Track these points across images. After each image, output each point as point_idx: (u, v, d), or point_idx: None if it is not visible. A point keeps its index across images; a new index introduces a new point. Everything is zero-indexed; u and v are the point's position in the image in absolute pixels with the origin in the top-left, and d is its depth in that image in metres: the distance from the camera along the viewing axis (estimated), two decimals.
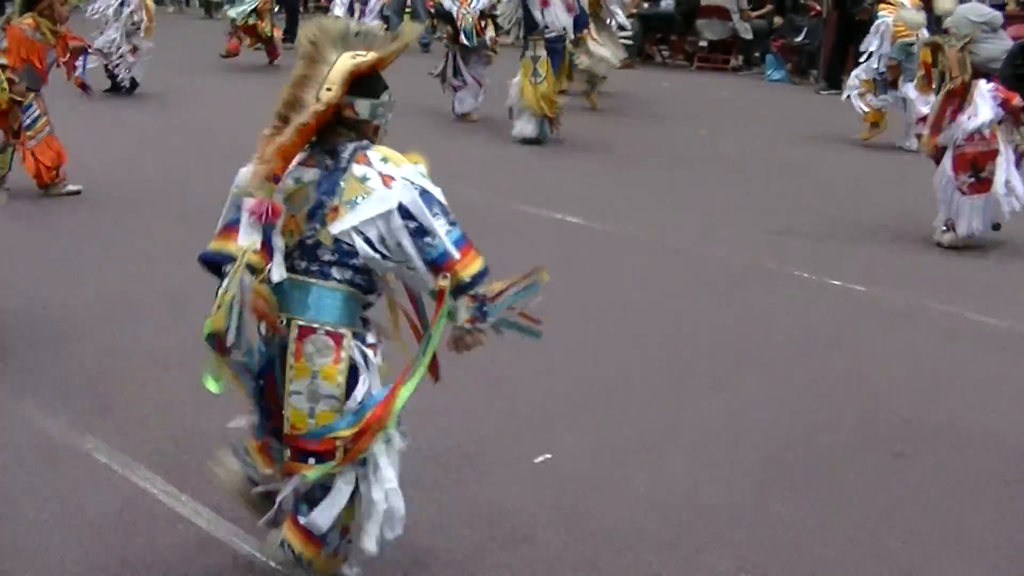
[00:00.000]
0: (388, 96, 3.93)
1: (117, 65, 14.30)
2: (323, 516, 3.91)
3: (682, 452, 5.47)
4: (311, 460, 3.85)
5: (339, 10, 23.59)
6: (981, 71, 9.79)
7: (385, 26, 22.29)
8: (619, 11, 14.41)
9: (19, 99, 8.84)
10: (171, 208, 9.22)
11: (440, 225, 3.71)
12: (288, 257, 3.81)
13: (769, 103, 16.45)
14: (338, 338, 3.80)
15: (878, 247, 9.21)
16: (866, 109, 13.27)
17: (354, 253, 3.75)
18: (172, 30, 17.30)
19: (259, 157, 3.74)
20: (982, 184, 8.99)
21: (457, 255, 3.71)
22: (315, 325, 3.79)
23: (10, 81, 8.73)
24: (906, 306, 7.73)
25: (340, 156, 3.80)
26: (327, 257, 3.78)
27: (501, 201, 9.94)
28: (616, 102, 15.42)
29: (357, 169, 3.77)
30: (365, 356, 3.86)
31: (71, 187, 9.65)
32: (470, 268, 3.74)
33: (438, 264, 3.71)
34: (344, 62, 3.77)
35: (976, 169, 8.98)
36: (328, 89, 3.74)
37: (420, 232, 3.70)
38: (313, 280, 3.80)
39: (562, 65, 12.64)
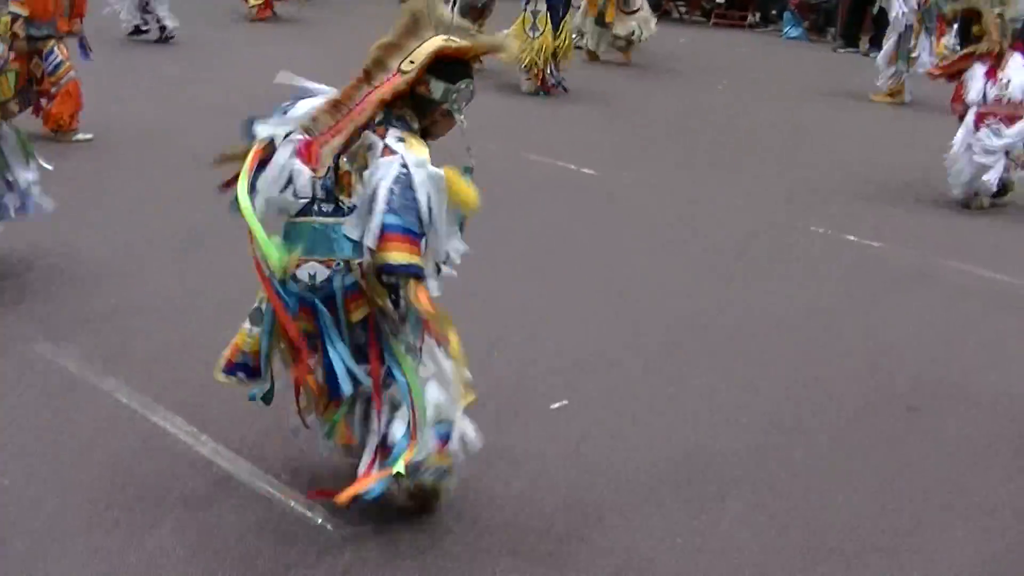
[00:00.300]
0: (466, 85, 4.08)
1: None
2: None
3: (697, 402, 5.53)
4: None
5: None
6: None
7: None
8: None
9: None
10: (184, 154, 9.23)
11: (379, 210, 3.85)
12: (315, 202, 4.01)
13: (786, 60, 16.43)
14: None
15: (892, 204, 9.27)
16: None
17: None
18: None
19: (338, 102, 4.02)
20: None
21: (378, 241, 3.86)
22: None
23: (14, 35, 8.67)
24: (920, 264, 7.77)
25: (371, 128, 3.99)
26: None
27: (513, 152, 9.95)
28: (633, 57, 15.36)
29: (369, 138, 3.96)
30: None
31: (83, 135, 9.62)
32: (386, 255, 3.86)
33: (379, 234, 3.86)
34: (433, 42, 3.97)
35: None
36: (411, 62, 3.95)
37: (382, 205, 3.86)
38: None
39: (562, 21, 12.78)
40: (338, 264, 3.95)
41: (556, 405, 5.39)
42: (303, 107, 4.10)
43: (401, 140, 3.94)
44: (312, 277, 3.97)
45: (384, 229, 3.84)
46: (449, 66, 4.04)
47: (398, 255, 3.84)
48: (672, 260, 7.54)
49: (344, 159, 3.96)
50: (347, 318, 4.01)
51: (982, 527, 4.61)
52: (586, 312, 6.55)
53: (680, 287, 7.05)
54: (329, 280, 3.96)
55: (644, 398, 5.53)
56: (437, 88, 4.04)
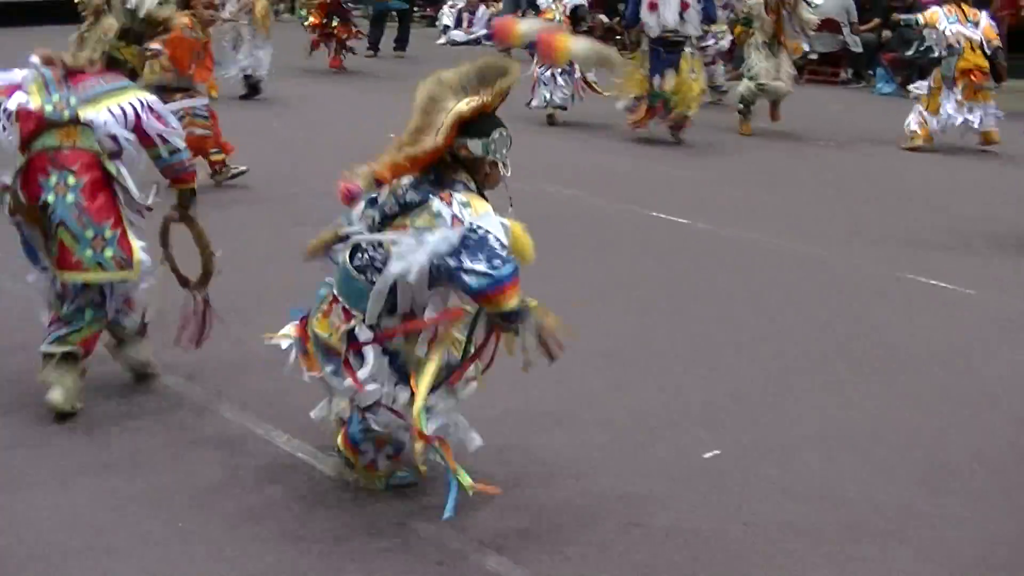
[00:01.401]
0: (500, 133, 4.38)
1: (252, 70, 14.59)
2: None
3: (847, 450, 5.53)
4: None
5: (447, 19, 23.94)
6: None
7: None
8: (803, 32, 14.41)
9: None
10: (295, 207, 9.37)
11: (479, 266, 4.16)
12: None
13: (881, 116, 16.35)
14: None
15: (988, 253, 9.31)
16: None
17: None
18: (286, 34, 17.49)
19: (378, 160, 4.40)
20: None
21: (489, 292, 4.19)
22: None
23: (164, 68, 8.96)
24: (1019, 311, 7.80)
25: (432, 188, 4.33)
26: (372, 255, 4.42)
27: (624, 206, 10.04)
28: (726, 112, 15.40)
29: (436, 203, 4.25)
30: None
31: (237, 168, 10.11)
32: (500, 305, 4.22)
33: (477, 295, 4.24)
34: (453, 111, 4.26)
35: None
36: (439, 137, 4.25)
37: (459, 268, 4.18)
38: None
39: (674, 67, 12.89)
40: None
41: (709, 455, 5.40)
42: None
43: (466, 205, 4.23)
44: None
45: (478, 291, 4.19)
46: (478, 123, 4.34)
47: (506, 303, 4.21)
48: (788, 310, 7.53)
49: (408, 218, 4.32)
50: None
51: None
52: (716, 360, 6.60)
53: (802, 337, 7.07)
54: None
55: (792, 447, 5.54)
56: (475, 146, 4.35)
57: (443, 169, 4.34)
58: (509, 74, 4.35)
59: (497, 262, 4.15)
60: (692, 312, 7.38)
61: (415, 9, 22.57)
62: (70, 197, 5.33)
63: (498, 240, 4.18)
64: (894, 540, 4.72)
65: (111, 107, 5.42)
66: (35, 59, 5.53)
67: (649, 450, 5.37)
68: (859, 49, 19.92)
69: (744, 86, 14.09)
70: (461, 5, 24.16)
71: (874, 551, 4.62)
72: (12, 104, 5.36)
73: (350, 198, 4.50)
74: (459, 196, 4.24)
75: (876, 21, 19.89)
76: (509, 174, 4.40)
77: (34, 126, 5.36)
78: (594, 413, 5.71)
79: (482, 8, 23.89)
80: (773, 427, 5.75)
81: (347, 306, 4.41)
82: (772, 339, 6.99)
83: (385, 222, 4.42)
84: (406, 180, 4.38)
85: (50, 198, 5.32)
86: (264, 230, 8.79)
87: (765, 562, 4.50)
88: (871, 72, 20.07)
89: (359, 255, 4.43)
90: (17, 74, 5.49)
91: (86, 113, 5.40)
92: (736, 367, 6.52)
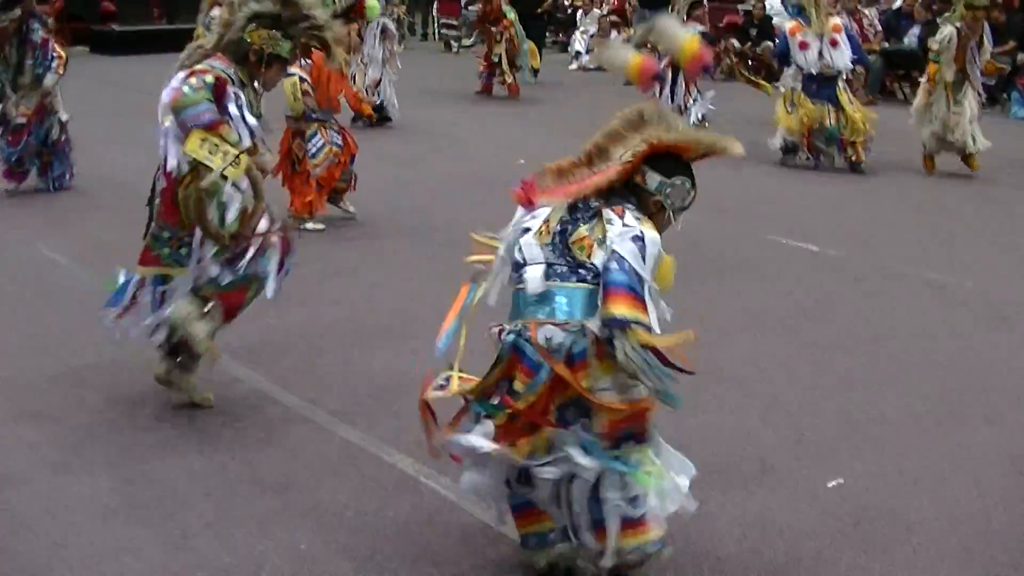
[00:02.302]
0: (682, 182, 4.30)
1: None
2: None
3: (967, 481, 5.49)
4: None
5: (579, 45, 24.12)
6: None
7: None
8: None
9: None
10: (435, 234, 9.53)
11: (611, 269, 4.08)
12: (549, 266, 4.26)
13: (1016, 141, 16.10)
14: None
15: None
16: None
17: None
18: (412, 64, 17.76)
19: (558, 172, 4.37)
20: None
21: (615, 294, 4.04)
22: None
23: (305, 93, 9.18)
24: None
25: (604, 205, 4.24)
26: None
27: (751, 231, 10.04)
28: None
29: (607, 213, 4.20)
30: None
31: (314, 225, 9.74)
32: (619, 309, 4.01)
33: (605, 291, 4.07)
34: (653, 134, 4.23)
35: None
36: (632, 153, 4.21)
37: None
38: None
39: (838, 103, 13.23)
40: (573, 328, 4.11)
41: (832, 483, 5.41)
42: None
43: (638, 219, 4.17)
44: (548, 340, 4.12)
45: (611, 285, 4.03)
46: (667, 160, 4.28)
47: (623, 309, 3.99)
48: (920, 339, 7.46)
49: (584, 227, 4.19)
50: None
51: None
52: (841, 388, 6.58)
53: (933, 367, 6.99)
54: (563, 343, 4.12)
55: (913, 477, 5.52)
56: (652, 180, 4.27)
57: (615, 192, 4.27)
58: (720, 144, 4.35)
59: (636, 275, 4.07)
60: (826, 337, 7.37)
61: (547, 35, 22.71)
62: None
63: (652, 258, 4.11)
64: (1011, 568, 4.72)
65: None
66: None
67: (772, 475, 5.40)
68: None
69: (926, 135, 13.37)
70: (593, 31, 24.28)
71: None
72: None
73: (528, 200, 4.37)
74: (631, 211, 4.20)
75: (1011, 44, 19.58)
76: (678, 228, 4.33)
77: None
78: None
79: (614, 34, 23.92)
80: (892, 455, 5.75)
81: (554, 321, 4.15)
82: (911, 367, 6.96)
83: (562, 237, 4.23)
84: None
85: None
86: (414, 257, 8.99)
87: None
88: (1006, 96, 19.75)
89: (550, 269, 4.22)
90: None
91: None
92: (876, 394, 6.51)
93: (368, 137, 14.16)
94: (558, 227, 4.23)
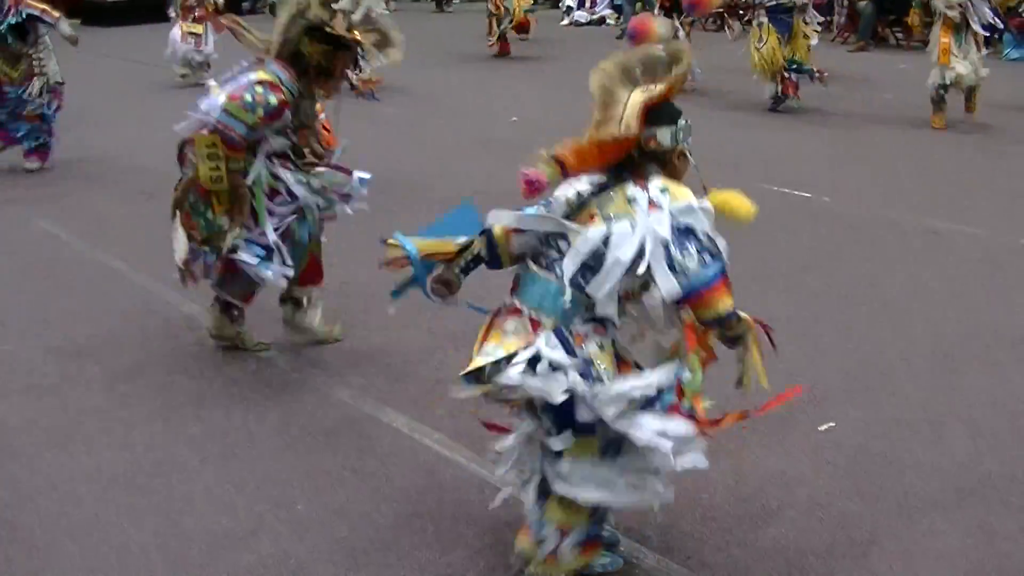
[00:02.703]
0: (685, 121, 4.00)
1: None
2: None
3: (960, 425, 5.54)
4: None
5: (570, 1, 24.05)
6: None
7: (617, 15, 22.62)
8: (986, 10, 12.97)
9: None
10: (432, 196, 9.55)
11: (689, 262, 3.77)
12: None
13: (1010, 82, 16.08)
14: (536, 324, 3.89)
15: None
16: None
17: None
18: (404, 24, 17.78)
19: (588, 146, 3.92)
20: None
21: (703, 292, 3.80)
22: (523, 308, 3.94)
23: None
24: None
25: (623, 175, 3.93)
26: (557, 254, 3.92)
27: (743, 180, 10.02)
28: (852, 84, 15.29)
29: (631, 189, 3.87)
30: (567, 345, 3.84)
31: None
32: (714, 308, 3.82)
33: (685, 298, 3.80)
34: (635, 98, 3.87)
35: None
36: (627, 127, 3.84)
37: (670, 267, 3.77)
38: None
39: (791, 34, 13.38)
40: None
41: (824, 427, 5.47)
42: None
43: (664, 190, 3.86)
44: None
45: (689, 291, 3.78)
46: (662, 112, 3.96)
47: (721, 304, 3.83)
48: (916, 288, 7.50)
49: (595, 204, 3.89)
50: None
51: None
52: (838, 340, 6.62)
53: (928, 315, 7.02)
54: None
55: (907, 422, 5.58)
56: (664, 135, 3.94)
57: (631, 164, 3.94)
58: (683, 60, 3.96)
59: (707, 256, 3.79)
60: (818, 286, 7.41)
61: None
62: None
63: (704, 232, 3.82)
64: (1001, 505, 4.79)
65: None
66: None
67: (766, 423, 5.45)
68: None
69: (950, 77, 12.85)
70: None
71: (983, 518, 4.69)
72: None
73: (533, 190, 3.93)
74: (656, 181, 3.88)
75: None
76: (694, 163, 4.03)
77: None
78: None
79: None
80: (885, 402, 5.81)
81: (535, 316, 3.91)
82: (906, 316, 7.00)
83: (570, 215, 3.96)
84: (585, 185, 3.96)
85: None
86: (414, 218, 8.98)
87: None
88: (998, 37, 19.68)
89: (544, 255, 3.98)
90: None
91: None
92: (870, 343, 6.56)
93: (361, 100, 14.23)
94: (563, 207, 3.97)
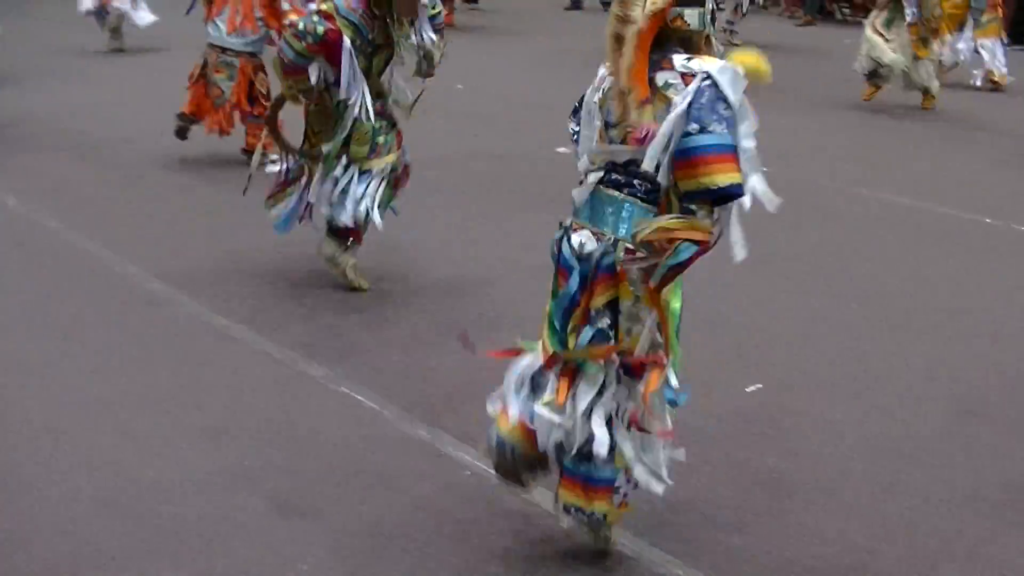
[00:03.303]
0: (712, 3, 3.88)
1: None
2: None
3: (894, 386, 5.71)
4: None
5: None
6: None
7: None
8: None
9: None
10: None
11: (713, 126, 3.60)
12: (603, 171, 3.89)
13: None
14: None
15: None
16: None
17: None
18: None
19: (616, 85, 3.78)
20: None
21: (709, 157, 3.60)
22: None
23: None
24: None
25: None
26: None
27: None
28: (800, 58, 15.38)
29: (660, 77, 3.74)
30: None
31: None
32: (719, 177, 3.61)
33: (684, 158, 3.63)
34: None
35: None
36: (653, 2, 3.70)
37: (693, 125, 3.62)
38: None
39: None
40: (609, 239, 3.80)
41: (751, 388, 5.59)
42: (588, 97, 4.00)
43: (689, 59, 3.73)
44: (581, 246, 3.86)
45: (698, 152, 3.60)
46: None
47: (723, 176, 3.60)
48: (844, 254, 7.64)
49: (634, 112, 3.71)
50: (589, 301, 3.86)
51: None
52: (763, 304, 6.75)
53: (852, 286, 7.16)
54: (594, 254, 3.83)
55: (832, 384, 5.71)
56: (692, 16, 3.79)
57: (656, 47, 3.75)
58: None
59: (726, 125, 3.61)
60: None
61: None
62: None
63: (726, 98, 3.62)
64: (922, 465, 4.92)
65: None
66: None
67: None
68: None
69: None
70: None
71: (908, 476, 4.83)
72: None
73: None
74: (679, 57, 3.74)
75: None
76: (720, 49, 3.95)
77: None
78: None
79: None
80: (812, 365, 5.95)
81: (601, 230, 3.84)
82: (833, 282, 7.12)
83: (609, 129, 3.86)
84: (664, 76, 3.72)
85: None
86: None
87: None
88: None
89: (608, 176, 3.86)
90: None
91: None
92: (796, 306, 6.68)
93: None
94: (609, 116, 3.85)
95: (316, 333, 6.12)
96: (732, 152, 3.62)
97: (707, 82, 3.63)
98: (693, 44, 3.83)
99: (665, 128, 3.65)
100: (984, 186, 9.70)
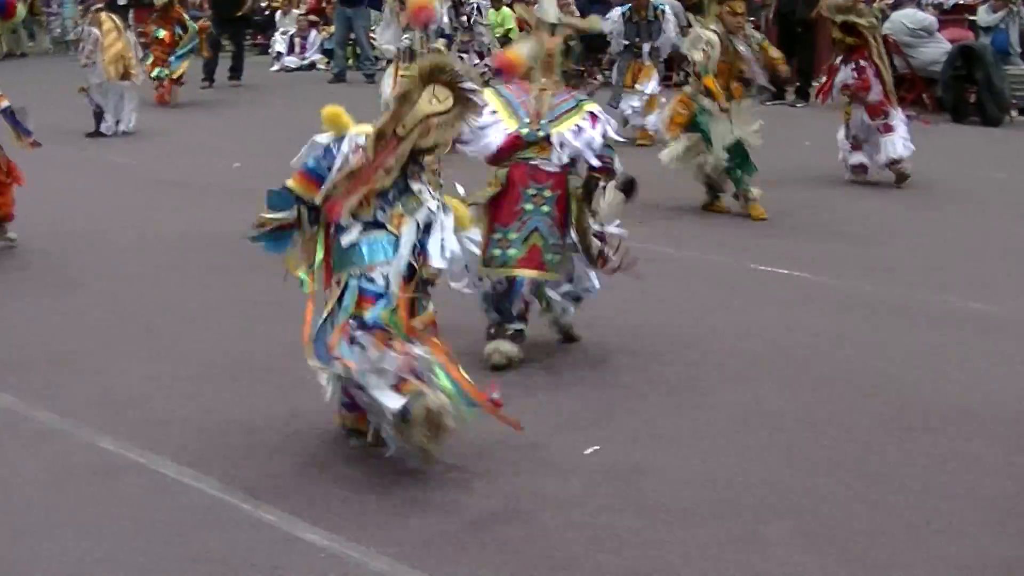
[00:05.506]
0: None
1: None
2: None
3: (721, 440, 5.72)
4: None
5: (279, 46, 23.94)
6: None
7: (328, 60, 22.56)
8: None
9: None
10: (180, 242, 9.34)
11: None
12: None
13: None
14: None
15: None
16: None
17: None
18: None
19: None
20: None
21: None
22: None
23: None
24: None
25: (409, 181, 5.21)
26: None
27: None
28: None
29: (414, 185, 5.19)
30: None
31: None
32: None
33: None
34: (420, 109, 5.07)
35: None
36: (404, 127, 5.09)
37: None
38: None
39: None
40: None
41: (589, 450, 5.56)
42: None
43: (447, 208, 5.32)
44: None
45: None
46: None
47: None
48: (665, 317, 7.71)
49: (401, 205, 5.17)
50: None
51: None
52: (591, 370, 6.72)
53: (674, 342, 7.16)
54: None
55: (667, 439, 5.71)
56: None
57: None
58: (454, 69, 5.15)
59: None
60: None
61: (247, 38, 22.44)
62: (545, 208, 6.49)
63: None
64: (771, 515, 4.95)
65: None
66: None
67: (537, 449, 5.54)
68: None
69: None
70: (293, 31, 24.18)
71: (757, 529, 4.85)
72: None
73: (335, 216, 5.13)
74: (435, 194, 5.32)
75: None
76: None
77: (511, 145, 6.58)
78: None
79: (313, 33, 23.96)
80: (644, 423, 5.96)
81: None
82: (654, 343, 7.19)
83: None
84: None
85: (528, 206, 6.47)
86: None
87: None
88: None
89: None
90: None
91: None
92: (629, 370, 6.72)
93: (85, 148, 13.88)
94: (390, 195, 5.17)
95: None
96: None
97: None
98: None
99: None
100: None
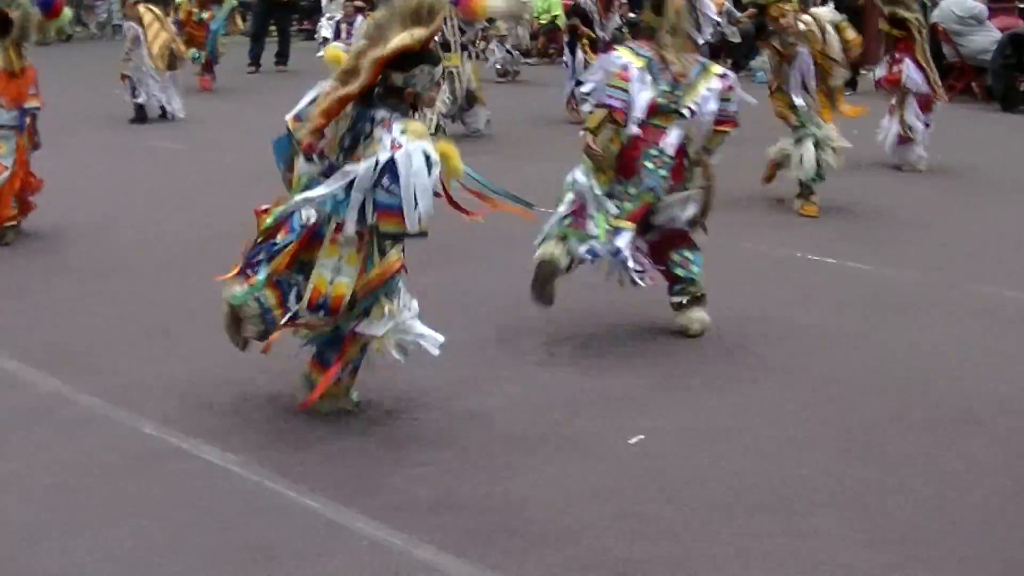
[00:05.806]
0: (422, 70, 5.23)
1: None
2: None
3: (773, 432, 5.68)
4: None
5: (326, 31, 23.93)
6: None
7: None
8: None
9: None
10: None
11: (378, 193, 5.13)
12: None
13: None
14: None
15: None
16: None
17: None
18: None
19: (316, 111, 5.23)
20: None
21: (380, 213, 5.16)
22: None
23: None
24: None
25: (375, 117, 5.21)
26: None
27: None
28: None
29: (378, 132, 5.17)
30: None
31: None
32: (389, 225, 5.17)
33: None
34: (376, 52, 5.10)
35: None
36: (367, 71, 5.12)
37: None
38: None
39: None
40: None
41: (634, 440, 5.53)
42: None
43: (404, 131, 5.11)
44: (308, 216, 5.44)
45: (378, 207, 5.14)
46: (403, 59, 5.14)
47: (390, 227, 5.16)
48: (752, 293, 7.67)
49: (363, 145, 5.22)
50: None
51: None
52: (641, 353, 6.73)
53: (727, 325, 7.14)
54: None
55: (713, 431, 5.68)
56: (397, 78, 5.21)
57: (379, 96, 5.25)
58: (440, 11, 5.20)
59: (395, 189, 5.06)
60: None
61: (293, 23, 22.49)
62: (663, 172, 6.65)
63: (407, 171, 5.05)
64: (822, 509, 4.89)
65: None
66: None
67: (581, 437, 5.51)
68: (737, 39, 20.06)
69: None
70: (339, 17, 24.12)
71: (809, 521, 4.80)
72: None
73: (311, 151, 5.30)
74: (397, 124, 5.14)
75: (752, 11, 20.08)
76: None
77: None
78: None
79: (359, 19, 23.76)
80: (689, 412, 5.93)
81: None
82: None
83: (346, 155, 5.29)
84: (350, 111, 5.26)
85: (649, 165, 6.61)
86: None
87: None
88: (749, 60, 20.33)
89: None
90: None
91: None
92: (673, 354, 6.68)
93: (131, 134, 13.92)
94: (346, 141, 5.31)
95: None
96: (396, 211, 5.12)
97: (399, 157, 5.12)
98: (403, 96, 5.30)
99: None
100: None
